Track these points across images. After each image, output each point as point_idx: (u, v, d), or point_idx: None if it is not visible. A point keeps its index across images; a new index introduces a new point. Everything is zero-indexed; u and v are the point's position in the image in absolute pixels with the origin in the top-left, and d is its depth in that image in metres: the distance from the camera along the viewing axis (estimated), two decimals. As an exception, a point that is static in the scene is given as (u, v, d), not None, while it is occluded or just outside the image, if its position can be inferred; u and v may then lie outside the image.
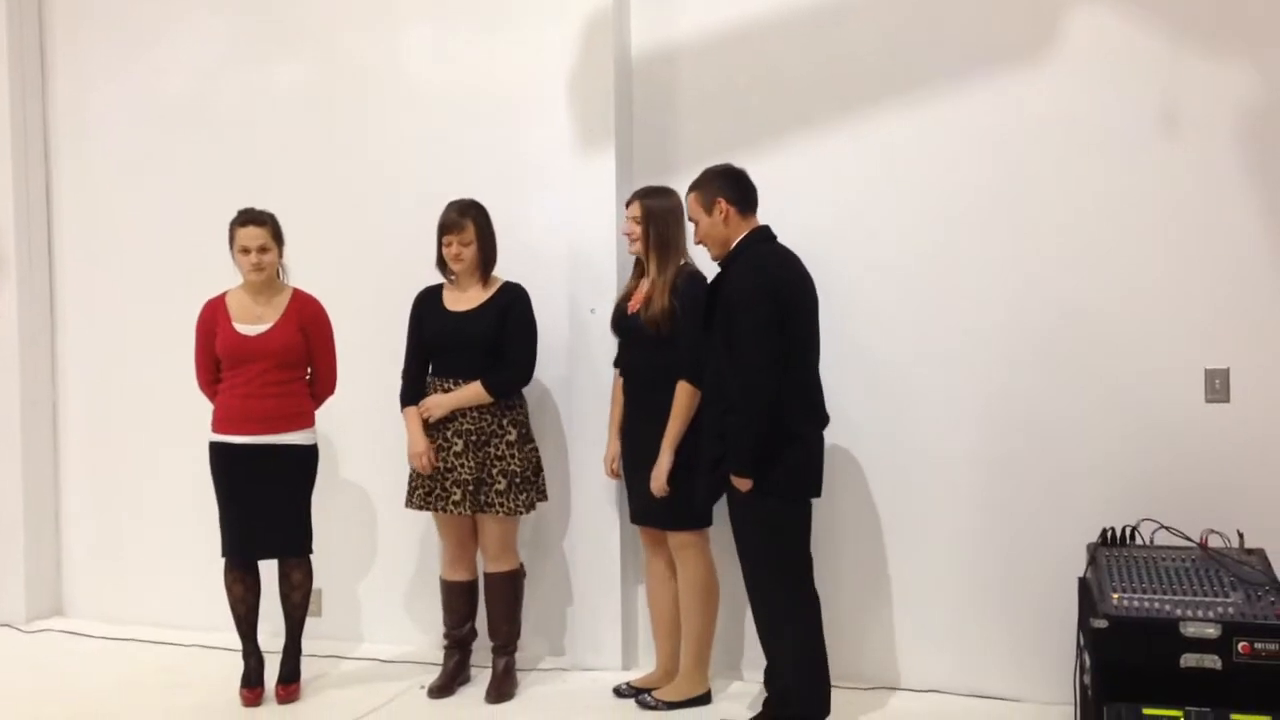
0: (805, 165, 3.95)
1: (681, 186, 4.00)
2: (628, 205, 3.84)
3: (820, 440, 3.46)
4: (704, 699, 3.82)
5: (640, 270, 3.88)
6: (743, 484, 3.30)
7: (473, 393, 3.86)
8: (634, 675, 4.03)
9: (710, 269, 3.57)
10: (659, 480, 3.69)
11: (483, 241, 3.89)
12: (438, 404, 3.88)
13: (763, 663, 3.57)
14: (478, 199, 3.94)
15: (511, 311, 3.91)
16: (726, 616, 3.94)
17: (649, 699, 3.81)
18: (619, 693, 3.90)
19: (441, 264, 3.94)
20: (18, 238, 4.88)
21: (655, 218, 3.79)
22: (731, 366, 3.27)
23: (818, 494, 3.43)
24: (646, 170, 4.16)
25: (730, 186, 3.41)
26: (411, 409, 3.93)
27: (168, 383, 4.64)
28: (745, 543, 3.41)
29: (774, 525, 3.34)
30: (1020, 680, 3.75)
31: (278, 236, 3.89)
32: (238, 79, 4.70)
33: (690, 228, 3.58)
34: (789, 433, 3.30)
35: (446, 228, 3.87)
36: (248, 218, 3.85)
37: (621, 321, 3.85)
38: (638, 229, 3.79)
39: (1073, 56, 3.70)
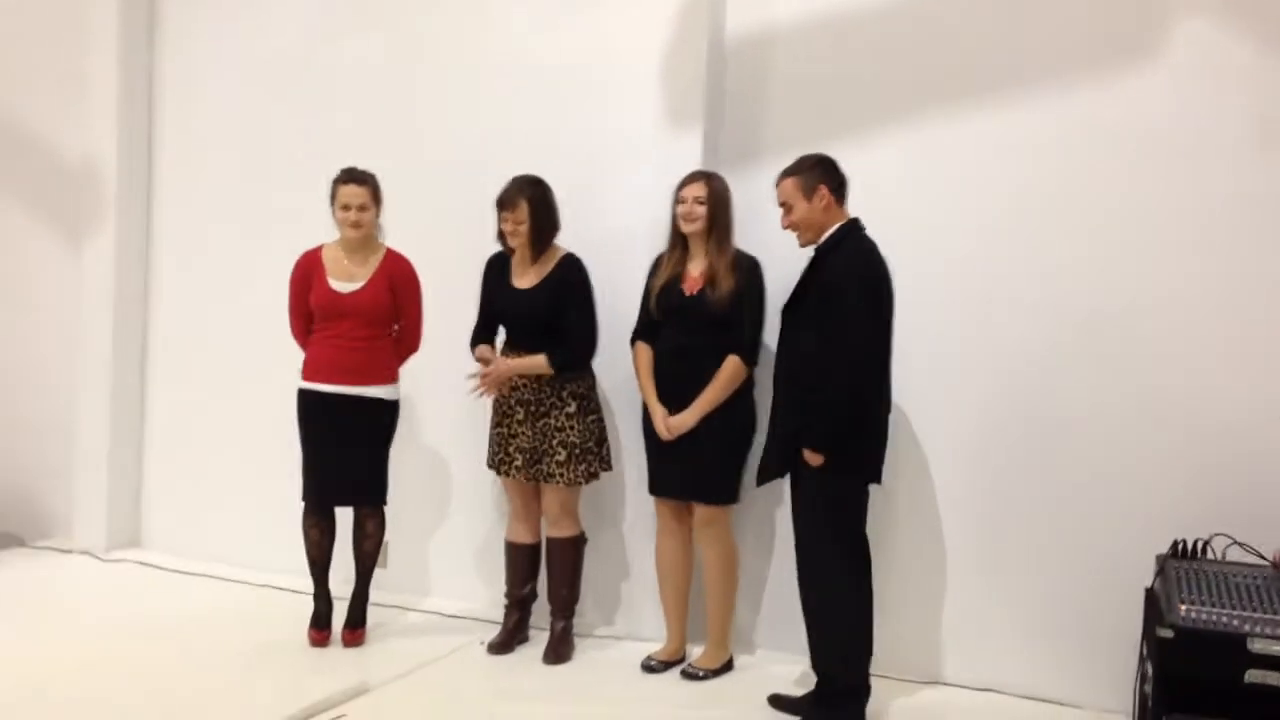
0: (893, 159, 3.95)
1: (767, 172, 4.02)
2: (687, 186, 3.85)
3: (888, 426, 3.52)
4: (730, 664, 3.98)
5: (683, 251, 3.89)
6: (814, 459, 3.36)
7: (535, 363, 3.92)
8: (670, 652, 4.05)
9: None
10: (673, 430, 3.81)
11: (536, 219, 3.91)
12: (504, 364, 3.95)
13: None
14: (550, 172, 3.99)
15: (566, 287, 3.95)
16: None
17: (694, 670, 3.91)
18: (649, 668, 3.95)
19: (500, 237, 4.00)
20: (119, 183, 5.03)
21: (719, 199, 3.85)
22: (829, 350, 3.32)
23: (879, 479, 3.49)
24: (733, 154, 4.18)
25: (831, 175, 3.48)
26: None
27: (255, 328, 4.78)
28: (807, 520, 3.48)
29: (839, 504, 3.42)
30: (1079, 686, 3.74)
31: (377, 196, 3.99)
32: (334, 44, 4.78)
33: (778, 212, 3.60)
34: (867, 416, 3.38)
35: (501, 204, 3.93)
36: (350, 176, 3.95)
37: (678, 302, 3.86)
38: (701, 210, 3.82)
39: (1163, 62, 3.65)
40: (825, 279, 3.39)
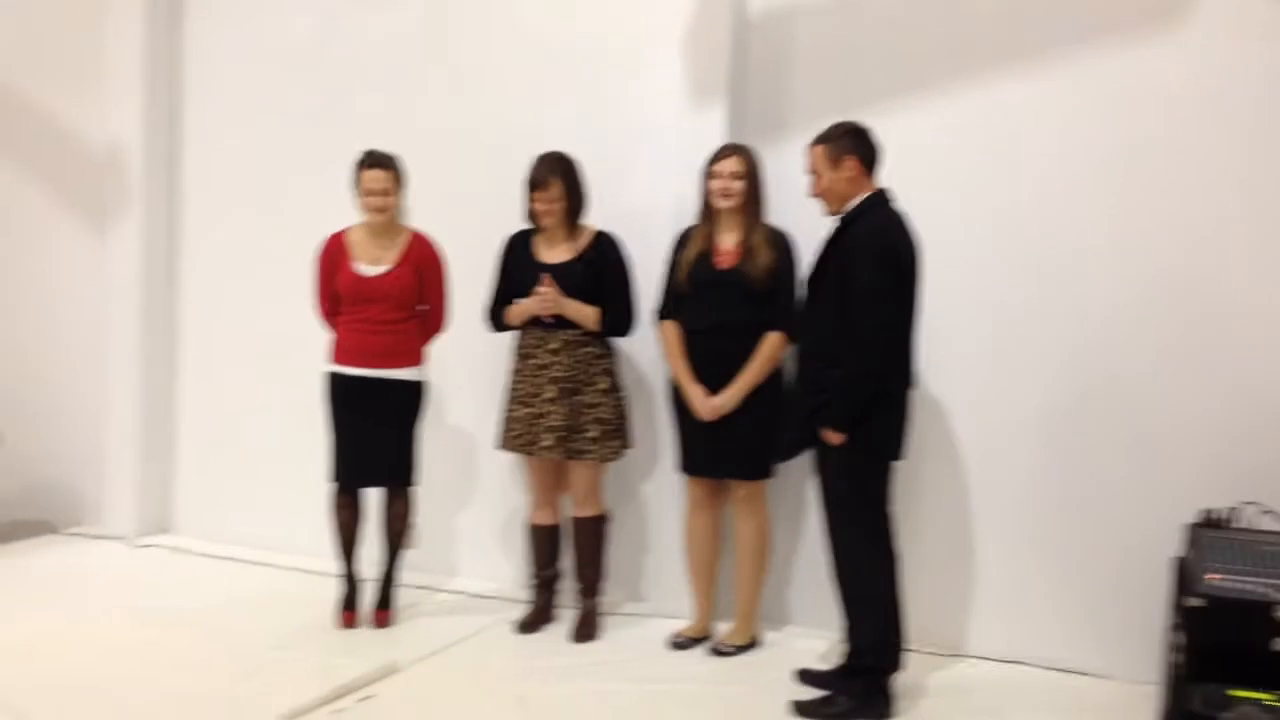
0: (920, 129, 3.92)
1: (792, 145, 4.02)
2: (721, 160, 3.82)
3: (910, 402, 3.49)
4: (757, 640, 4.00)
5: (711, 225, 3.87)
6: (834, 438, 3.35)
7: (585, 313, 3.92)
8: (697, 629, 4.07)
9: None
10: (715, 411, 3.78)
11: (569, 196, 3.92)
12: (556, 299, 3.89)
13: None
14: (574, 149, 3.98)
15: (606, 263, 3.97)
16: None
17: (722, 646, 3.93)
18: (678, 645, 3.97)
19: (531, 216, 4.00)
20: (143, 169, 5.06)
21: (755, 173, 3.83)
22: (847, 324, 3.30)
23: (900, 456, 3.47)
24: (758, 127, 4.16)
25: (861, 144, 3.42)
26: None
27: (282, 312, 4.79)
28: (832, 497, 3.47)
29: (863, 481, 3.41)
30: (1108, 656, 3.75)
31: (400, 179, 3.99)
32: (357, 25, 4.79)
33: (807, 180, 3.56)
34: (887, 393, 3.35)
35: (533, 184, 3.93)
36: (373, 160, 3.95)
37: (712, 276, 3.84)
38: (738, 185, 3.79)
39: (1201, 26, 3.62)
40: (844, 250, 3.36)
